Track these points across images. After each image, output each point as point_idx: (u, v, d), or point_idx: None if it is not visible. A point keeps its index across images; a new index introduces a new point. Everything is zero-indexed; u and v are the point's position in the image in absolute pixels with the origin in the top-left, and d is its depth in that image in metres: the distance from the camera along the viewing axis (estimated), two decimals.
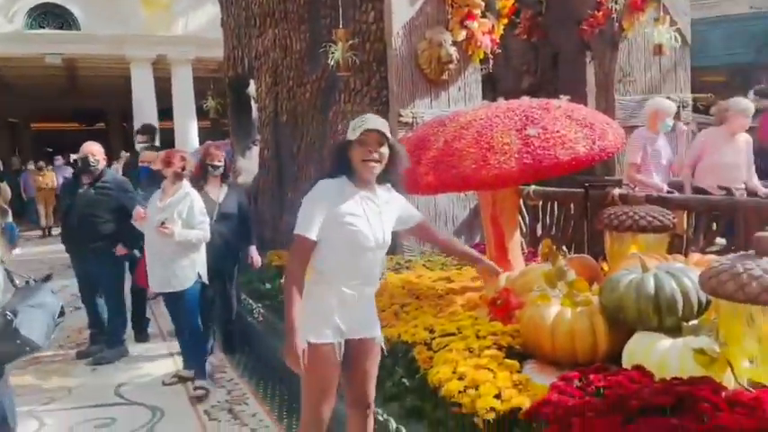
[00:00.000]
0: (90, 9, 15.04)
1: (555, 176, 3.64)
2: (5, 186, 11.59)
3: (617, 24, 5.91)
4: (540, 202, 5.18)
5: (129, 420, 3.92)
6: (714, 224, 4.16)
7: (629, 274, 2.74)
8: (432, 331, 3.24)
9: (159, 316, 5.73)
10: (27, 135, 23.20)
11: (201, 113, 13.09)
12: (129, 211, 4.60)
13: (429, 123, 4.06)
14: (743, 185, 4.88)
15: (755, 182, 5.14)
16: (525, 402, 2.40)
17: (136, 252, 5.07)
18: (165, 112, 15.82)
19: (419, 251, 5.25)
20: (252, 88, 7.76)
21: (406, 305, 3.77)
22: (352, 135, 2.45)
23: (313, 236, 2.44)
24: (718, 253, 3.78)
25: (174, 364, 4.83)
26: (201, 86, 12.51)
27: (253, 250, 5.08)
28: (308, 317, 2.48)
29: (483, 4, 5.13)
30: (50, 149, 20.16)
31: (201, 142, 12.26)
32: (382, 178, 2.55)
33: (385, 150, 2.48)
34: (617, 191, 4.28)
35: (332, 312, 2.50)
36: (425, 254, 5.23)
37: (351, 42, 5.27)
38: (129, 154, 6.47)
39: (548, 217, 5.16)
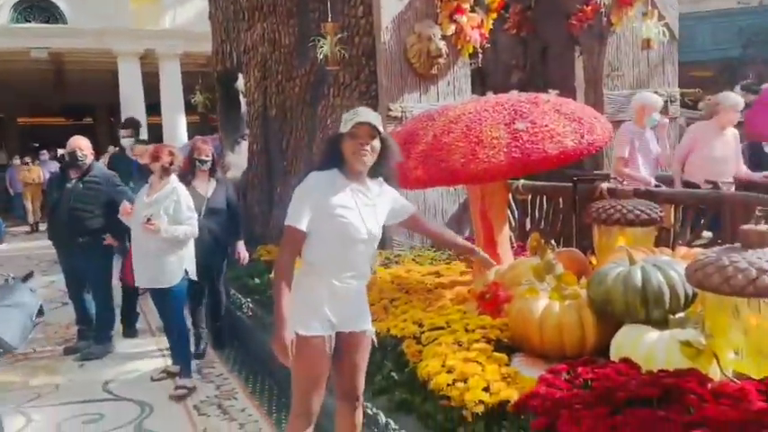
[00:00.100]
0: (76, 3, 14.90)
1: (543, 170, 3.65)
2: None
3: (605, 19, 5.94)
4: (529, 197, 5.19)
5: (117, 416, 3.89)
6: (701, 218, 4.19)
7: (617, 267, 2.75)
8: (421, 325, 3.25)
9: (148, 312, 5.70)
10: (14, 130, 22.99)
11: (190, 108, 13.02)
12: (118, 205, 4.57)
13: (418, 117, 4.05)
14: (731, 179, 4.92)
15: (745, 170, 5.19)
16: (514, 395, 2.42)
17: (129, 244, 5.03)
18: (154, 107, 15.72)
19: (408, 246, 5.26)
20: (240, 83, 7.72)
21: (396, 299, 3.78)
22: (343, 128, 2.46)
23: (303, 227, 2.44)
24: (705, 246, 3.80)
25: (163, 360, 4.81)
26: (190, 81, 12.42)
27: (240, 246, 5.06)
28: (298, 309, 2.49)
29: None
30: (37, 144, 19.98)
31: (190, 137, 12.19)
32: (374, 171, 2.55)
33: (376, 143, 2.48)
34: (605, 185, 4.30)
35: (322, 305, 2.50)
36: (415, 249, 5.24)
37: (339, 36, 5.26)
38: (117, 149, 6.41)
39: (537, 211, 5.18)
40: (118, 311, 5.49)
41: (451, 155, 3.42)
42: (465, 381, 2.57)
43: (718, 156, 4.93)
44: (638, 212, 3.58)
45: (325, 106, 5.74)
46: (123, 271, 5.20)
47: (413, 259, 4.93)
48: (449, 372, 2.68)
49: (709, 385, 2.13)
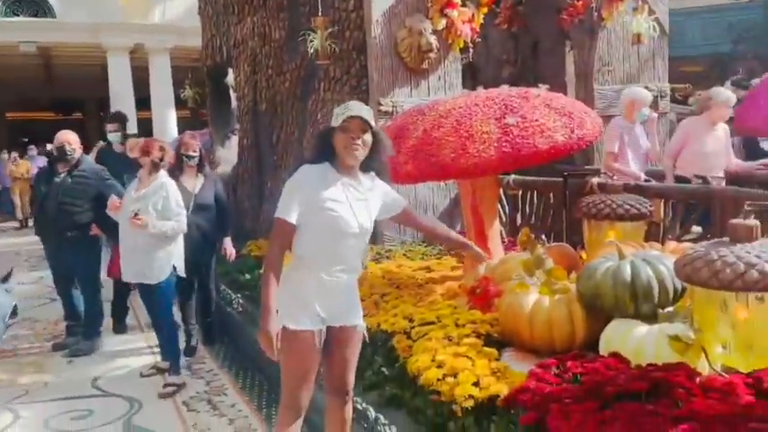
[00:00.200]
0: None
1: (534, 165, 3.65)
2: None
3: (596, 14, 5.94)
4: (520, 192, 5.20)
5: (106, 412, 3.87)
6: (691, 212, 4.21)
7: (606, 261, 2.75)
8: (411, 320, 3.25)
9: (138, 307, 5.65)
10: (2, 125, 22.80)
11: (180, 103, 12.93)
12: (107, 200, 4.52)
13: (408, 112, 4.04)
14: (722, 174, 4.95)
15: (737, 162, 5.23)
16: (503, 390, 2.42)
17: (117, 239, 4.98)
18: (143, 101, 15.62)
19: (399, 241, 5.26)
20: (231, 77, 7.68)
21: (386, 294, 3.77)
22: (335, 122, 2.45)
23: (292, 219, 2.44)
24: (694, 241, 3.82)
25: (153, 356, 4.78)
26: (180, 76, 12.34)
27: (227, 242, 5.00)
28: (287, 303, 2.49)
29: None
30: (27, 139, 19.81)
31: (181, 132, 12.11)
32: (366, 166, 2.54)
33: (368, 137, 2.47)
34: (595, 180, 4.31)
35: (311, 299, 2.49)
36: (406, 244, 5.23)
37: (330, 30, 5.23)
38: (104, 143, 6.34)
39: (527, 206, 5.18)
40: (108, 306, 5.46)
41: (442, 149, 3.41)
42: (455, 376, 2.57)
43: (710, 151, 4.95)
44: (628, 207, 3.60)
45: (315, 101, 5.71)
46: (111, 266, 5.15)
47: (404, 254, 4.93)
48: (439, 367, 2.67)
49: (698, 379, 2.13)
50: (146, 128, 14.34)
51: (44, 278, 7.05)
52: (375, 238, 5.10)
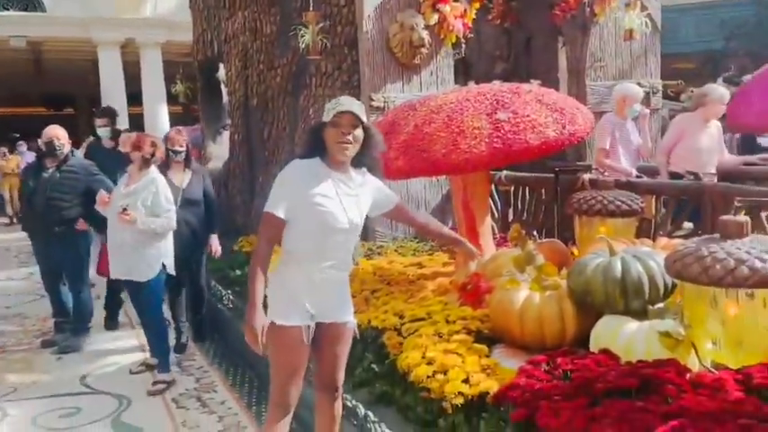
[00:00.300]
0: None
1: (525, 161, 3.64)
2: None
3: (588, 9, 5.93)
4: (512, 188, 5.19)
5: (94, 410, 3.84)
6: (682, 209, 4.21)
7: (597, 257, 2.75)
8: (402, 317, 3.24)
9: (129, 304, 5.62)
10: None
11: (172, 98, 12.87)
12: (96, 195, 4.48)
13: (399, 107, 4.02)
14: (714, 171, 4.95)
15: (729, 156, 5.23)
16: (493, 386, 2.41)
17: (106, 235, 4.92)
18: (135, 96, 15.51)
19: (391, 237, 5.24)
20: (222, 72, 7.63)
21: (377, 291, 3.76)
22: (326, 117, 2.44)
23: (281, 214, 2.43)
24: (686, 237, 3.82)
25: (142, 354, 4.75)
26: (172, 71, 12.27)
27: (213, 239, 4.94)
28: (276, 298, 2.49)
29: None
30: (18, 135, 19.66)
31: (172, 127, 12.04)
32: (357, 162, 2.53)
33: (359, 133, 2.45)
34: (587, 176, 4.30)
35: (300, 294, 2.47)
36: (398, 240, 5.22)
37: (321, 25, 5.19)
38: (93, 138, 6.28)
39: (519, 202, 5.18)
40: (98, 303, 5.41)
41: (433, 145, 3.39)
42: (445, 372, 2.56)
43: (704, 147, 4.96)
44: (619, 203, 3.59)
45: (307, 96, 5.68)
46: (100, 263, 5.10)
47: (395, 250, 4.91)
48: (429, 363, 2.67)
49: (688, 375, 2.13)
50: (137, 123, 14.24)
51: (34, 274, 6.98)
52: (367, 234, 5.09)
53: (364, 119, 2.46)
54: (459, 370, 2.55)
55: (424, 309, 3.25)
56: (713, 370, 2.20)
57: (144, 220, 4.02)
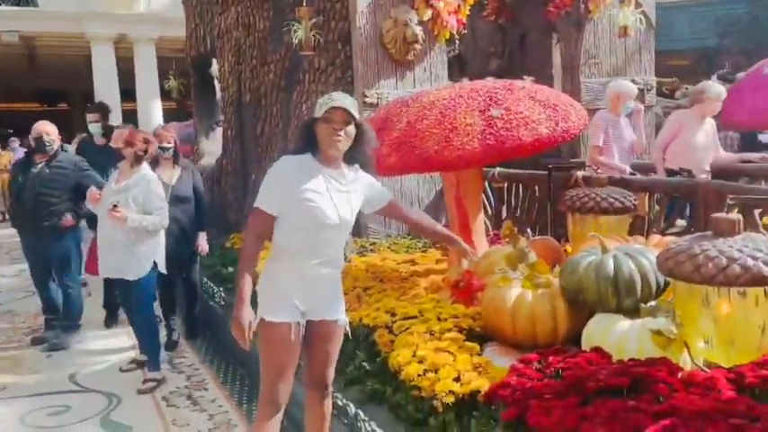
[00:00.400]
0: None
1: (518, 158, 3.61)
2: None
3: (583, 6, 5.91)
4: (506, 184, 5.17)
5: (83, 408, 3.81)
6: (675, 206, 4.20)
7: (589, 255, 2.73)
8: (393, 314, 3.21)
9: None
10: None
11: (166, 94, 12.79)
12: (85, 190, 4.44)
13: (392, 104, 4.00)
14: (708, 168, 4.95)
15: (725, 154, 5.22)
16: (485, 385, 2.39)
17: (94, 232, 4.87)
18: (129, 92, 15.44)
19: (384, 234, 5.21)
20: (215, 68, 7.58)
21: (369, 288, 3.74)
22: (318, 112, 2.42)
23: (270, 209, 2.42)
24: (679, 234, 3.81)
25: (134, 351, 4.71)
26: (166, 66, 12.18)
27: (201, 237, 4.90)
28: (265, 295, 2.47)
29: None
30: (11, 131, 19.54)
31: (166, 124, 11.98)
32: (350, 158, 2.51)
33: (351, 129, 2.43)
34: (580, 173, 4.28)
35: (289, 291, 2.45)
36: (391, 237, 5.19)
37: (314, 21, 5.16)
38: (85, 134, 6.23)
39: (513, 199, 5.15)
40: (89, 301, 5.37)
41: (425, 142, 3.37)
42: (436, 371, 2.54)
43: (700, 144, 4.95)
44: (612, 201, 3.57)
45: (300, 92, 5.64)
46: (89, 261, 5.02)
47: (388, 247, 4.89)
48: (420, 362, 2.64)
49: (680, 374, 2.12)
50: (131, 119, 14.16)
51: (25, 271, 6.89)
52: (360, 230, 5.07)
53: (356, 115, 2.44)
54: (450, 368, 2.53)
55: (416, 306, 3.23)
56: (705, 369, 2.19)
57: (135, 217, 3.96)
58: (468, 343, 2.75)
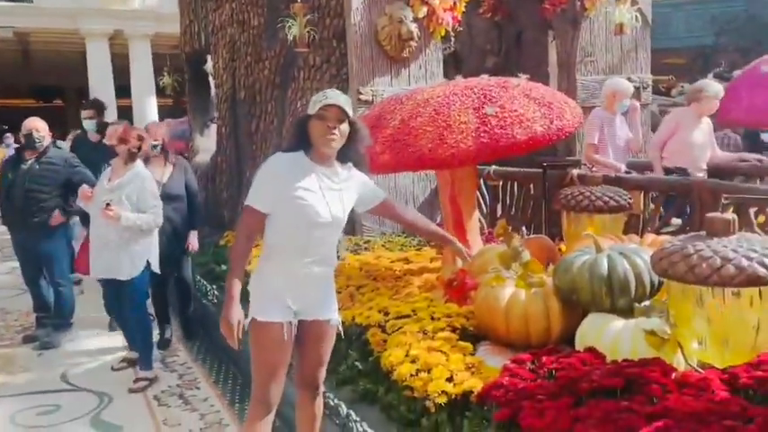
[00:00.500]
0: None
1: (513, 156, 3.59)
2: None
3: (579, 3, 5.88)
4: (501, 183, 5.15)
5: (74, 407, 3.77)
6: (671, 205, 4.18)
7: (583, 254, 2.71)
8: (386, 313, 3.19)
9: None
10: None
11: (161, 91, 12.74)
12: (76, 187, 4.40)
13: (386, 101, 3.97)
14: (705, 167, 4.93)
15: (722, 153, 5.21)
16: (477, 385, 2.37)
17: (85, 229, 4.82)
18: (124, 89, 15.38)
19: (379, 232, 5.19)
20: (209, 64, 7.54)
21: (363, 287, 3.72)
22: (311, 109, 2.40)
23: (261, 207, 2.40)
24: (674, 233, 3.79)
25: (126, 350, 4.68)
26: (161, 63, 12.14)
27: (192, 235, 4.85)
28: (257, 294, 2.45)
29: None
30: (6, 127, 19.45)
31: (162, 120, 11.93)
32: (343, 156, 2.49)
33: (345, 127, 2.41)
34: (575, 171, 4.26)
35: (281, 290, 2.43)
36: (385, 235, 5.17)
37: (309, 17, 5.13)
38: (79, 131, 6.19)
39: (508, 197, 5.13)
40: (81, 299, 5.33)
41: (419, 140, 3.34)
42: (428, 371, 2.52)
43: (697, 142, 4.94)
44: (607, 199, 3.55)
45: (295, 89, 5.61)
46: (78, 261, 4.94)
47: (383, 245, 4.86)
48: (412, 362, 2.62)
49: (673, 375, 2.10)
50: (126, 116, 14.11)
51: (17, 268, 6.81)
52: (354, 228, 5.04)
53: (350, 113, 2.42)
54: (442, 368, 2.50)
55: (409, 305, 3.20)
56: (699, 369, 2.17)
57: (129, 216, 3.90)
58: (461, 342, 2.73)
